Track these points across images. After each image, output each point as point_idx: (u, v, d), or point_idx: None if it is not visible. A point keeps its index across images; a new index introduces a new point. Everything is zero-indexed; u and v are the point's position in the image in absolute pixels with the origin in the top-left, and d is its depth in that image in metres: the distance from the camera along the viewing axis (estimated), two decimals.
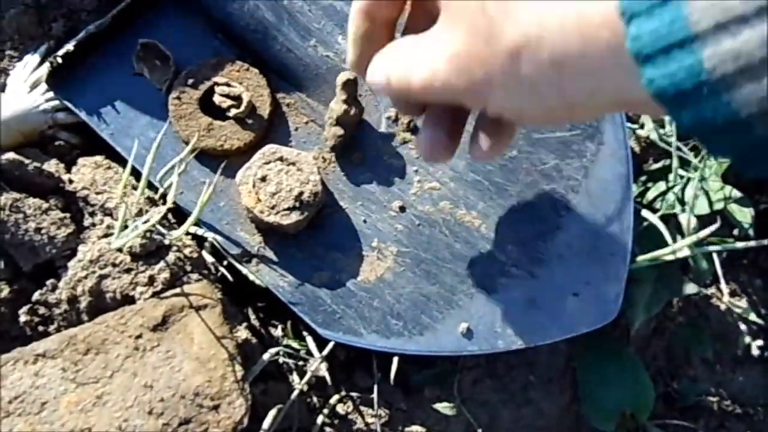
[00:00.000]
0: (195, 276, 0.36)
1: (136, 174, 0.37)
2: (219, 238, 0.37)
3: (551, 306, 0.37)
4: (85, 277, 0.34)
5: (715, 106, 0.16)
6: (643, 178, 0.47)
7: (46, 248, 0.34)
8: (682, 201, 0.45)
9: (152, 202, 0.37)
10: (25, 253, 0.34)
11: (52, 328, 0.34)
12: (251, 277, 0.37)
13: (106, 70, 0.39)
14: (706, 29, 0.15)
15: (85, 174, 0.38)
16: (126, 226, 0.34)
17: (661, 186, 0.46)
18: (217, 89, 0.38)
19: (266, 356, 0.36)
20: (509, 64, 0.20)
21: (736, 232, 0.47)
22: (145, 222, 0.34)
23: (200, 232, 0.37)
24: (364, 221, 0.38)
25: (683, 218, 0.43)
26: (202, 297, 0.34)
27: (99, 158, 0.39)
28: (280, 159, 0.37)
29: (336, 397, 0.39)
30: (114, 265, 0.34)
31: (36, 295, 0.34)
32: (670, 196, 0.45)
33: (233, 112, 0.38)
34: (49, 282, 0.34)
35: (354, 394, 0.40)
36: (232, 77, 0.39)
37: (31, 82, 0.39)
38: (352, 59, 0.28)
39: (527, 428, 0.42)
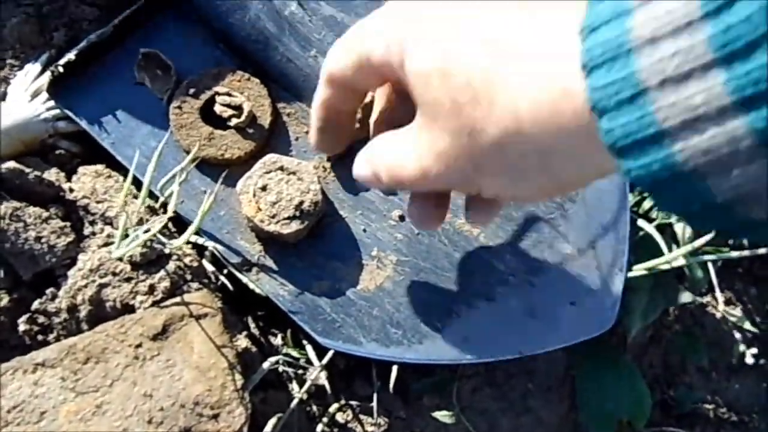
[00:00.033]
0: (195, 285, 0.36)
1: (136, 183, 0.37)
2: (219, 247, 0.37)
3: (549, 315, 0.37)
4: (85, 286, 0.34)
5: (691, 193, 0.16)
6: (639, 188, 0.48)
7: (46, 257, 0.34)
8: None
9: (153, 211, 0.37)
10: (25, 261, 0.34)
11: (51, 337, 0.34)
12: (251, 286, 0.37)
13: (108, 80, 0.39)
14: (674, 126, 0.15)
15: (86, 183, 0.38)
16: (127, 235, 0.35)
17: None
18: (218, 99, 0.38)
19: (266, 365, 0.36)
20: (496, 156, 0.21)
21: (730, 241, 0.47)
22: (146, 231, 0.34)
23: (201, 241, 0.37)
24: (364, 230, 0.38)
25: (678, 228, 0.44)
26: (202, 306, 0.34)
27: (99, 167, 0.39)
28: (281, 168, 0.37)
29: (335, 405, 0.39)
30: (114, 274, 0.34)
31: (35, 304, 0.34)
32: None
33: (234, 121, 0.38)
34: (48, 291, 0.34)
35: (353, 402, 0.40)
36: (233, 87, 0.39)
37: (32, 90, 0.39)
38: (316, 145, 0.30)
39: None
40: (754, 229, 0.17)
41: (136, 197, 0.37)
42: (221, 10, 0.40)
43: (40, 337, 0.34)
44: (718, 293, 0.49)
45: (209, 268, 0.37)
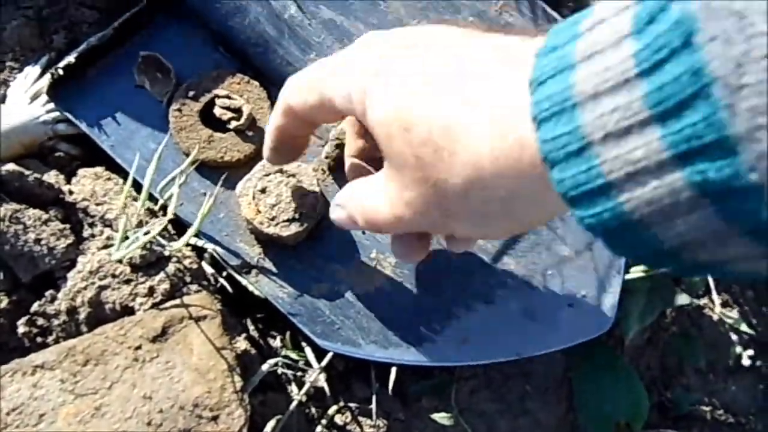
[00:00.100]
0: (195, 287, 0.36)
1: (136, 185, 0.37)
2: (219, 249, 0.37)
3: (547, 317, 0.37)
4: (85, 288, 0.34)
5: (640, 240, 0.17)
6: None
7: (45, 259, 0.34)
8: None
9: (152, 214, 0.38)
10: (25, 263, 0.34)
11: (50, 339, 0.34)
12: (250, 288, 0.37)
13: (107, 82, 0.39)
14: (619, 178, 0.16)
15: (85, 185, 0.38)
16: (126, 237, 0.35)
17: None
18: (218, 101, 0.38)
19: (265, 367, 0.36)
20: (461, 203, 0.22)
21: None
22: (146, 233, 0.34)
23: (200, 243, 0.37)
24: (363, 232, 0.39)
25: None
26: (201, 308, 0.35)
27: (99, 169, 0.39)
28: (280, 171, 0.37)
29: (334, 407, 0.39)
30: (113, 276, 0.34)
31: (35, 306, 0.34)
32: None
33: (234, 124, 0.38)
34: (48, 293, 0.34)
35: (352, 404, 0.40)
36: (233, 90, 0.39)
37: (32, 93, 0.40)
38: (268, 160, 0.33)
39: None
40: (705, 269, 0.17)
41: (135, 200, 0.37)
42: (221, 13, 0.40)
43: (39, 339, 0.34)
44: (714, 295, 0.49)
45: (209, 270, 0.38)
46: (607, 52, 0.16)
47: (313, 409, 0.39)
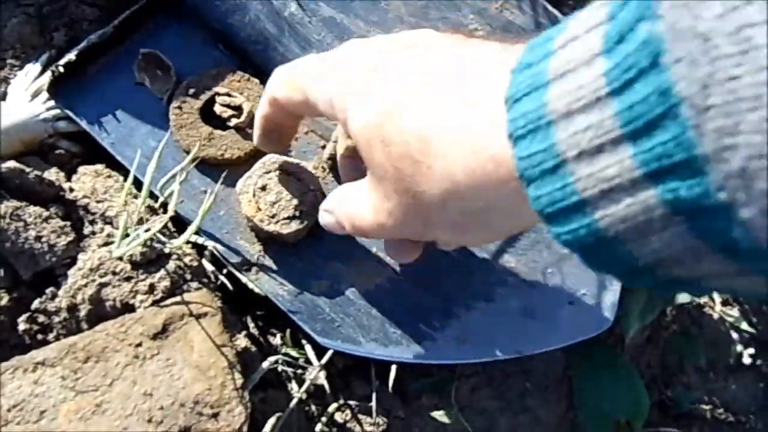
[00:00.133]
0: (195, 284, 0.36)
1: (136, 183, 0.37)
2: (219, 246, 0.37)
3: (548, 315, 0.37)
4: (85, 286, 0.34)
5: (615, 257, 0.17)
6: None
7: (46, 256, 0.34)
8: None
9: (153, 211, 0.38)
10: (25, 261, 0.34)
11: (51, 336, 0.34)
12: (251, 285, 0.37)
13: (108, 80, 0.39)
14: (593, 196, 0.16)
15: (86, 182, 0.38)
16: (127, 235, 0.35)
17: None
18: (218, 99, 0.38)
19: (265, 364, 0.36)
20: (439, 214, 0.22)
21: None
22: (147, 231, 0.34)
23: (200, 240, 0.37)
24: None
25: None
26: (202, 305, 0.35)
27: (99, 167, 0.39)
28: (281, 168, 0.37)
29: (334, 405, 0.39)
30: (114, 273, 0.35)
31: (35, 304, 0.34)
32: None
33: (234, 121, 0.38)
34: (48, 290, 0.34)
35: (352, 402, 0.40)
36: (233, 87, 0.39)
37: (32, 90, 0.40)
38: (258, 146, 0.34)
39: None
40: (680, 286, 0.17)
41: (136, 197, 0.37)
42: (221, 11, 0.40)
43: (39, 337, 0.34)
44: (715, 294, 0.49)
45: (209, 267, 0.38)
46: (579, 70, 0.16)
47: (313, 407, 0.39)
